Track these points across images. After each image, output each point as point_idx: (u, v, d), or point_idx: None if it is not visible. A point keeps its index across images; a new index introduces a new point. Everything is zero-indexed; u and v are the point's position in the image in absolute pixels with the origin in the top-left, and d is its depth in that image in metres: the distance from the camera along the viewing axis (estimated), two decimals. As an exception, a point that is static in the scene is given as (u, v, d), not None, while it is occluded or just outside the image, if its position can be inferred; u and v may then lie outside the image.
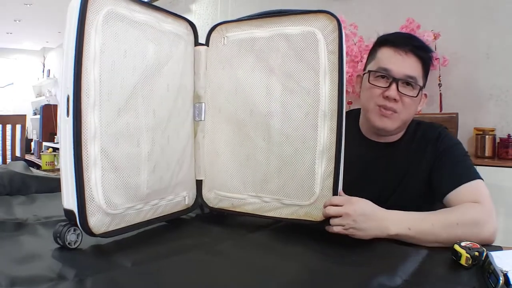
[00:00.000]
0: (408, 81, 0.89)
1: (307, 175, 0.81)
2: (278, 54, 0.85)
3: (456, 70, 2.14)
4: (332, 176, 0.79)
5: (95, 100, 0.67)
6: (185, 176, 0.90)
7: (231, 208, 0.91)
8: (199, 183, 0.94)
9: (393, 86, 0.88)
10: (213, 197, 0.93)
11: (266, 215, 0.86)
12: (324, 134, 0.80)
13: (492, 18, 2.07)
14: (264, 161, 0.86)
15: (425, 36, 1.98)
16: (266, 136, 0.86)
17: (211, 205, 0.93)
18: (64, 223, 0.67)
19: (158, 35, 0.82)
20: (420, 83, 0.91)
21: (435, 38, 2.02)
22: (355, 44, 2.19)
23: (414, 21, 2.05)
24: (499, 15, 2.05)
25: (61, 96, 0.65)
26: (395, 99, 0.89)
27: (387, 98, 0.89)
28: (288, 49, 0.84)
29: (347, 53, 2.19)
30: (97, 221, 0.67)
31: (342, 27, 0.79)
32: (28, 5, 4.92)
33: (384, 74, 0.90)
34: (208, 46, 0.93)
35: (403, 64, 0.88)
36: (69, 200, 0.65)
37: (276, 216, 0.85)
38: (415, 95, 0.89)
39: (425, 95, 0.96)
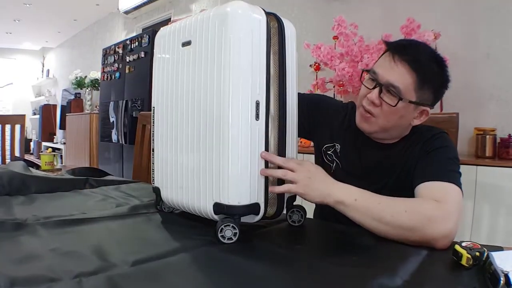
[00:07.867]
0: (389, 89, 0.86)
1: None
2: None
3: (457, 70, 2.13)
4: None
5: None
6: None
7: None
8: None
9: (376, 90, 0.88)
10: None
11: None
12: (275, 137, 0.79)
13: (492, 18, 2.07)
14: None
15: (425, 36, 1.97)
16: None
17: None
18: (227, 218, 0.74)
19: None
20: (407, 96, 0.86)
21: (435, 38, 2.01)
22: (355, 44, 2.18)
23: (414, 20, 2.05)
24: (500, 15, 2.05)
25: (245, 101, 0.73)
26: (374, 103, 0.88)
27: (368, 99, 0.90)
28: None
29: (347, 53, 2.19)
30: None
31: (285, 28, 0.79)
32: (27, 5, 4.92)
33: (373, 77, 0.90)
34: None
35: (389, 71, 0.86)
36: (254, 195, 0.74)
37: None
38: (393, 105, 0.86)
39: (426, 112, 0.91)
